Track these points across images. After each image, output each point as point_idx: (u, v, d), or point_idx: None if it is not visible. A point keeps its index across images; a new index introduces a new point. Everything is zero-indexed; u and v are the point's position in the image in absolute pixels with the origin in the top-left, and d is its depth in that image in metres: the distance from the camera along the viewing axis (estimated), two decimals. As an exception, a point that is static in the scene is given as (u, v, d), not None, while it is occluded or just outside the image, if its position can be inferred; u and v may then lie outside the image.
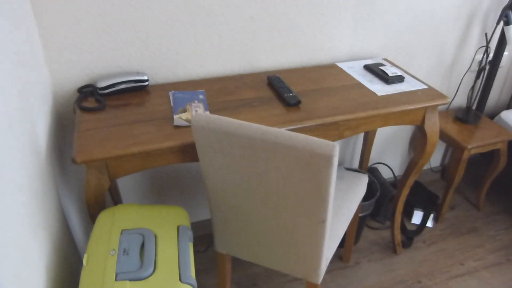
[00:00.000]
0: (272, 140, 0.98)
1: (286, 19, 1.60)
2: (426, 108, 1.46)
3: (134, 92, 1.44)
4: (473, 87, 2.01)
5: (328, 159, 0.95)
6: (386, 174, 2.31)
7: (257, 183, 1.10)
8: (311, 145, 0.95)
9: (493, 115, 2.40)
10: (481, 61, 1.97)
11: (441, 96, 1.47)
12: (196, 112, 1.24)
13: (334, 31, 1.70)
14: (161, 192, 1.82)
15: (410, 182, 1.69)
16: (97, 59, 1.43)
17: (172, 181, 1.81)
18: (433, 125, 1.50)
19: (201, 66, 1.57)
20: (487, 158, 2.54)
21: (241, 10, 1.52)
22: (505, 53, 2.16)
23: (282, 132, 0.98)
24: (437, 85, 2.09)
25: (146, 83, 1.43)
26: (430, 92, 1.49)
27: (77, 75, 1.43)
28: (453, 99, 2.19)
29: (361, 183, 1.51)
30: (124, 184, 1.74)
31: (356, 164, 2.18)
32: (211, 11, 1.48)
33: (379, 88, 1.49)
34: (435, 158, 2.43)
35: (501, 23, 1.99)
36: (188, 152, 1.21)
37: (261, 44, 1.61)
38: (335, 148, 0.94)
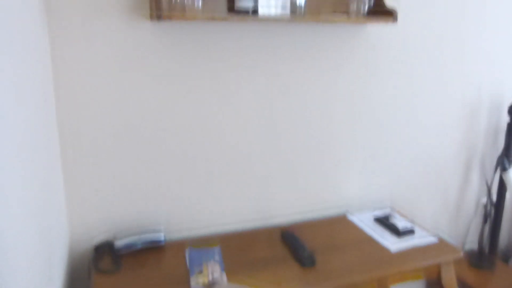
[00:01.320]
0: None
1: (297, 175, 1.70)
2: (440, 263, 1.46)
3: (151, 250, 1.45)
4: (482, 232, 2.03)
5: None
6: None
7: None
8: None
9: (506, 257, 2.37)
10: (485, 206, 2.02)
11: (454, 250, 1.48)
12: (214, 278, 1.25)
13: (344, 183, 1.79)
14: None
15: None
16: (116, 214, 1.48)
17: None
18: (449, 280, 1.48)
19: (216, 221, 1.62)
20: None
21: (255, 168, 1.62)
22: (507, 196, 2.22)
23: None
24: (445, 229, 2.12)
25: (162, 242, 1.46)
26: (442, 246, 1.51)
27: (95, 229, 1.47)
28: (463, 246, 2.18)
29: None
30: None
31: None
32: (226, 168, 1.58)
33: (391, 243, 1.51)
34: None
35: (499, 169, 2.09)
36: (205, 321, 1.18)
37: (273, 199, 1.68)
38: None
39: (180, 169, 1.53)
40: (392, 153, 1.86)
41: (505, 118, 2.06)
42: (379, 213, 1.78)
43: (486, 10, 1.87)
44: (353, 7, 1.55)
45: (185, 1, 1.33)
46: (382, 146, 1.83)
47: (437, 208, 2.06)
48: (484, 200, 2.17)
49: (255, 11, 1.40)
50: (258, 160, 1.63)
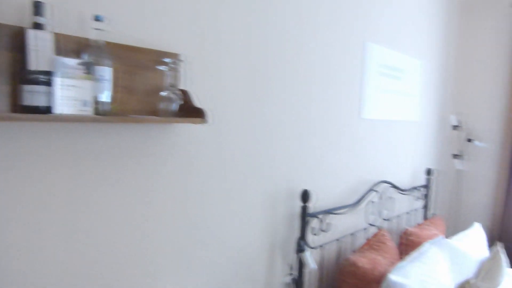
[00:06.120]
0: None
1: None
2: None
3: None
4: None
5: None
6: None
7: None
8: None
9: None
10: (288, 284, 2.13)
11: None
12: None
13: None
14: None
15: None
16: None
17: None
18: None
19: None
20: None
21: None
22: (306, 273, 2.41)
23: None
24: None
25: None
26: None
27: None
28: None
29: None
30: None
31: None
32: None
33: None
34: None
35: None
36: None
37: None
38: None
39: None
40: (207, 252, 1.79)
41: (299, 204, 2.28)
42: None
43: (284, 118, 2.11)
44: (162, 105, 1.48)
45: None
46: (197, 246, 1.75)
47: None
48: (287, 279, 2.30)
49: (49, 109, 1.17)
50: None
